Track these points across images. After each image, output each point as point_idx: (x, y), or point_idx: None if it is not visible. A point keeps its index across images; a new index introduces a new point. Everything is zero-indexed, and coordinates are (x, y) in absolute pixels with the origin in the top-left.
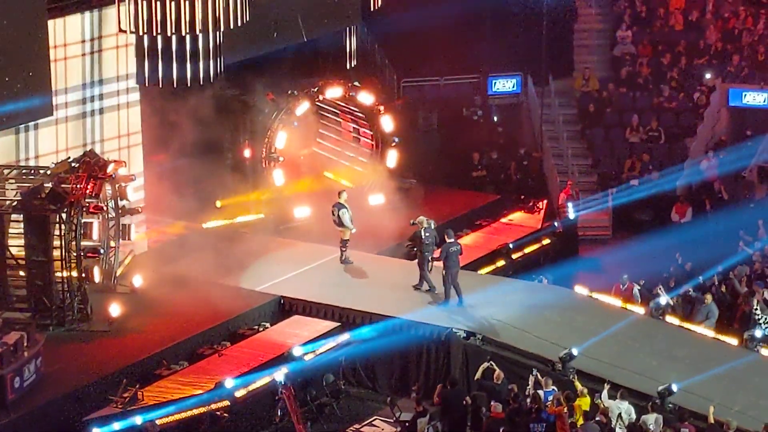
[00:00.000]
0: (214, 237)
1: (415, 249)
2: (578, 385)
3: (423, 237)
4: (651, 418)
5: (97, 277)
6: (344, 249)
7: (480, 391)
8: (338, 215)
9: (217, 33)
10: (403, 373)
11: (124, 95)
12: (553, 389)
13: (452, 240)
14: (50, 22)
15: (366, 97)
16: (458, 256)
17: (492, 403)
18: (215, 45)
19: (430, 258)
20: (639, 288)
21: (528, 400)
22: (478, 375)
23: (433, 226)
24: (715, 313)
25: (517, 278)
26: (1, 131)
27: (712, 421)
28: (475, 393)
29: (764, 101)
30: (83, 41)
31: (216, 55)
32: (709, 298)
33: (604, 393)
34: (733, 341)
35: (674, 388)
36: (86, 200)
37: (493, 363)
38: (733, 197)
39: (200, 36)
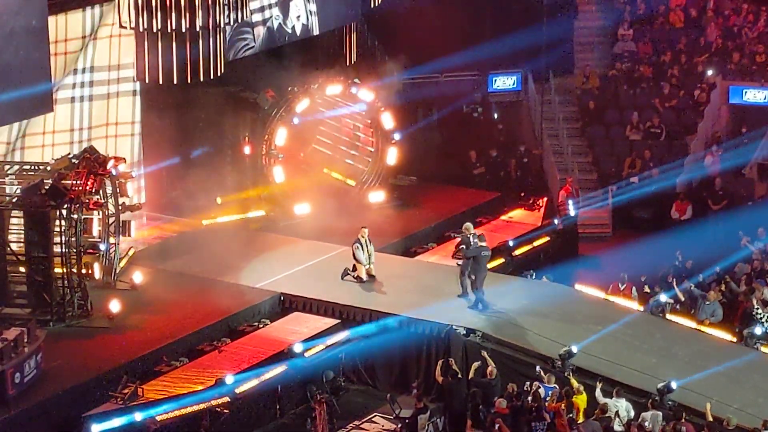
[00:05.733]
0: (213, 234)
1: (462, 255)
2: (574, 383)
3: (472, 243)
4: (650, 416)
5: (97, 273)
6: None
7: (476, 388)
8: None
9: (217, 29)
10: (403, 370)
11: (116, 84)
12: (554, 386)
13: (484, 243)
14: (51, 19)
15: (366, 94)
16: (487, 260)
17: (496, 399)
18: (215, 41)
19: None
20: (638, 287)
21: (530, 398)
22: (471, 374)
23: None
24: (720, 313)
25: (517, 276)
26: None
27: (710, 419)
28: (473, 390)
29: (765, 98)
30: (84, 37)
31: (216, 51)
32: (712, 295)
33: (597, 390)
34: (733, 339)
35: (674, 385)
36: (86, 196)
37: (486, 357)
38: (732, 195)
39: (200, 32)
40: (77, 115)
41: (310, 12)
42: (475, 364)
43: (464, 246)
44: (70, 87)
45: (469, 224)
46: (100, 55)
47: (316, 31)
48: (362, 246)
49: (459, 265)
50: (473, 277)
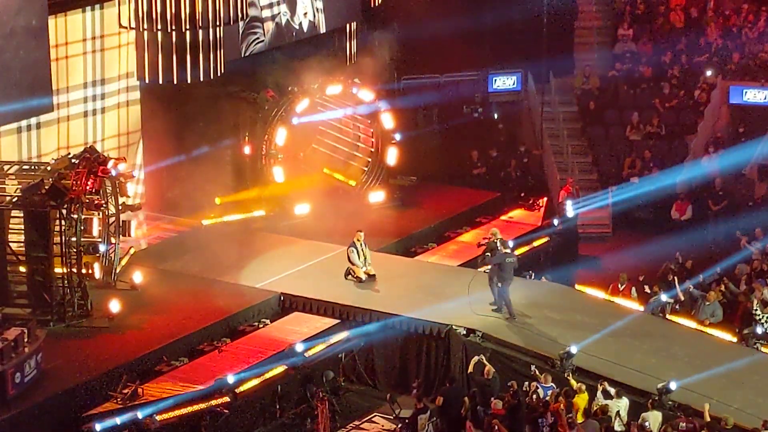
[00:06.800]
0: (213, 234)
1: (486, 262)
2: (573, 383)
3: (498, 249)
4: (650, 416)
5: (97, 273)
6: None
7: (474, 388)
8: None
9: (218, 29)
10: (403, 369)
11: (125, 93)
12: (551, 386)
13: (508, 250)
14: (52, 21)
15: (366, 94)
16: (513, 268)
17: (492, 399)
18: (215, 41)
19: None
20: (638, 287)
21: (533, 396)
22: (470, 369)
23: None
24: (720, 313)
25: (517, 276)
26: (4, 131)
27: (708, 419)
28: (473, 390)
29: (765, 98)
30: (84, 40)
31: (216, 51)
32: (712, 296)
33: (599, 393)
34: (733, 339)
35: (673, 385)
36: (86, 196)
37: (483, 357)
38: (732, 195)
39: (200, 32)
40: (90, 129)
41: (317, 9)
42: (475, 358)
43: (488, 253)
44: (82, 101)
45: (495, 229)
46: (109, 66)
47: (323, 29)
48: (357, 250)
49: (486, 272)
50: (499, 285)
